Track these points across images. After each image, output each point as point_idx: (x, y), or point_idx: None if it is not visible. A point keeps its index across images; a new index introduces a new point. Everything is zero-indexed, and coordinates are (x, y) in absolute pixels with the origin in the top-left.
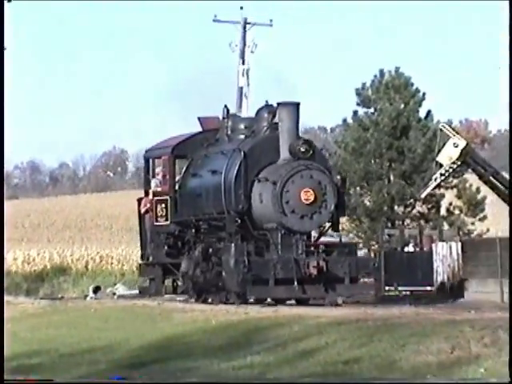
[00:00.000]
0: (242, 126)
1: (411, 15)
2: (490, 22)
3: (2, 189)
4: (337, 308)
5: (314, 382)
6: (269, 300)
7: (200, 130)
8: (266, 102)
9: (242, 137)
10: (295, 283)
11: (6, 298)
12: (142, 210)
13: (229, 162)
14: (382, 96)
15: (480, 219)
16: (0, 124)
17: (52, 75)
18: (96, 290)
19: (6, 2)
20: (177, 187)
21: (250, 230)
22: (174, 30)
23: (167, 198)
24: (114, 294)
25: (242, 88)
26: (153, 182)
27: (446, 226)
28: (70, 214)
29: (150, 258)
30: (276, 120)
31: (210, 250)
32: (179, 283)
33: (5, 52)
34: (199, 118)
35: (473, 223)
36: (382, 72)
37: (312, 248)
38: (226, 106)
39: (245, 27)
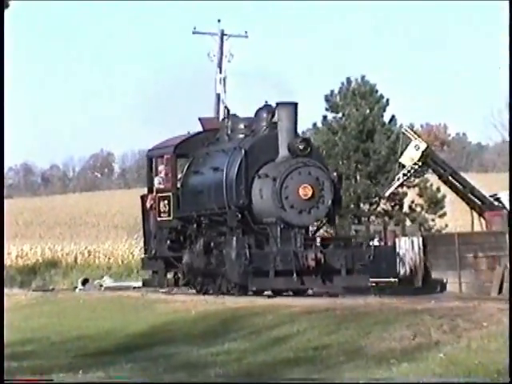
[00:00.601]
0: (241, 126)
1: (376, 24)
2: (448, 33)
3: (1, 189)
4: (307, 298)
5: (314, 381)
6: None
7: (200, 129)
8: (266, 102)
9: (242, 136)
10: (294, 275)
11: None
12: (147, 206)
13: (230, 159)
14: (349, 102)
15: (440, 216)
16: (0, 125)
17: (45, 83)
18: (84, 282)
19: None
20: (179, 184)
21: (250, 224)
22: (158, 41)
23: (170, 194)
24: (101, 285)
25: (219, 94)
26: (156, 180)
27: (408, 222)
28: (61, 212)
29: (153, 252)
30: (275, 119)
31: (212, 243)
32: (180, 276)
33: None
34: (200, 119)
35: (433, 220)
36: (348, 80)
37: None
38: (226, 107)
39: (222, 38)
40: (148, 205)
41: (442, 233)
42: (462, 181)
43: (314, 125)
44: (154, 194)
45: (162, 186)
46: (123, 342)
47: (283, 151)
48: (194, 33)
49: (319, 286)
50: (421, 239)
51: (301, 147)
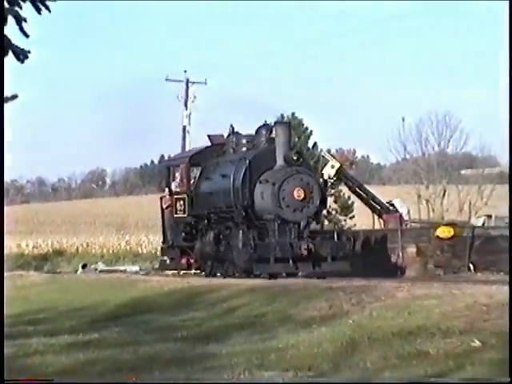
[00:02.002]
0: (244, 141)
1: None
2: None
3: (1, 190)
4: (251, 279)
5: (314, 381)
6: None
7: (209, 144)
8: (265, 121)
9: (245, 149)
10: (290, 261)
11: (20, 272)
12: (164, 206)
13: (236, 168)
14: None
15: (350, 217)
16: (0, 125)
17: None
18: (84, 266)
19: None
20: (192, 188)
21: (253, 220)
22: (138, 85)
23: (185, 196)
24: (96, 269)
25: (185, 127)
26: (173, 185)
27: (326, 222)
28: (66, 214)
29: (170, 242)
30: (273, 135)
31: (221, 235)
32: (191, 261)
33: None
34: (209, 136)
35: (345, 220)
36: (282, 115)
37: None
38: (231, 126)
39: (187, 83)
40: (165, 205)
41: (351, 230)
42: (365, 191)
43: None
44: (170, 196)
45: (178, 189)
46: (112, 311)
47: (280, 161)
48: (166, 80)
49: (310, 270)
50: (336, 235)
51: (294, 158)
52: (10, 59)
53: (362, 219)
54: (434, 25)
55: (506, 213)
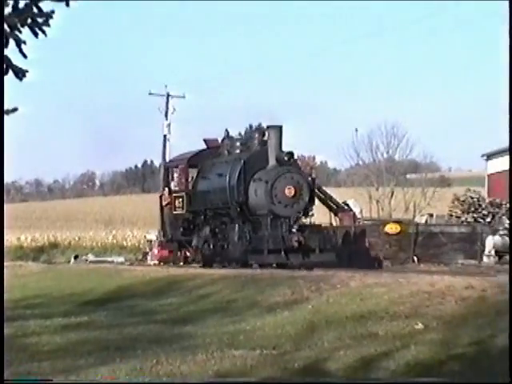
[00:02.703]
0: (237, 144)
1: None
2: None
3: (2, 190)
4: (223, 269)
5: (315, 381)
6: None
7: (205, 147)
8: (259, 124)
9: (238, 151)
10: (282, 252)
11: (19, 262)
12: (164, 203)
13: (232, 167)
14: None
15: (310, 216)
16: (0, 126)
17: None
18: (75, 257)
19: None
20: (190, 187)
21: (247, 215)
22: (123, 99)
23: (183, 194)
24: (87, 260)
25: (165, 135)
26: (172, 184)
27: None
28: (60, 212)
29: (170, 237)
30: (265, 138)
31: (217, 229)
32: (188, 254)
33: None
34: (204, 139)
35: (305, 218)
36: (251, 126)
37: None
38: (226, 130)
39: (167, 97)
40: (165, 202)
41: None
42: (323, 192)
43: None
44: (169, 194)
45: (177, 188)
46: (100, 296)
47: (272, 161)
48: (149, 94)
49: (300, 260)
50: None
51: (286, 158)
52: (10, 77)
53: (320, 217)
54: (397, 43)
55: (445, 212)
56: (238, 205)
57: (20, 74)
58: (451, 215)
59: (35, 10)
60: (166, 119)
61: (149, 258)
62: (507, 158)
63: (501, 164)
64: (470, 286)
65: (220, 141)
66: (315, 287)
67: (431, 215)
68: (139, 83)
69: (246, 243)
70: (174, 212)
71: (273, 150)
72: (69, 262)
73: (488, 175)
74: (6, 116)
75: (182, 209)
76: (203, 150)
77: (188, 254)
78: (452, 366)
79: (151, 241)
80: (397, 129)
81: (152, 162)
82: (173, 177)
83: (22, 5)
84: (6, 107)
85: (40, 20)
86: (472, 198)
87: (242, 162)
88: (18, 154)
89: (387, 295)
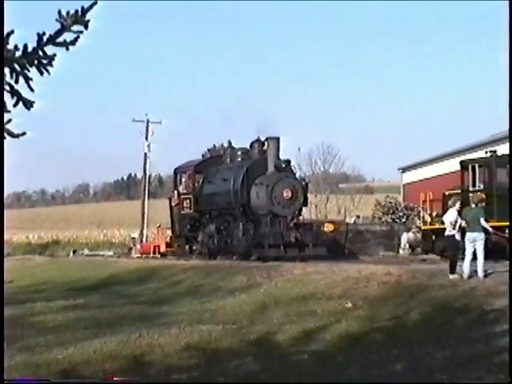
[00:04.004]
0: (239, 153)
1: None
2: None
3: (2, 191)
4: (193, 260)
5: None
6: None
7: (209, 156)
8: (258, 137)
9: (240, 159)
10: (281, 247)
11: (28, 256)
12: (173, 204)
13: (235, 173)
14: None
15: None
16: (0, 126)
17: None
18: (74, 252)
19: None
20: (197, 190)
21: (249, 215)
22: (112, 125)
23: (190, 196)
24: (83, 254)
25: (146, 153)
26: (180, 187)
27: None
28: (61, 215)
29: (178, 233)
30: (264, 148)
31: (221, 227)
32: (194, 248)
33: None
34: (208, 149)
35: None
36: (214, 146)
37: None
38: (229, 141)
39: (147, 123)
40: (174, 203)
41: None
42: None
43: None
44: (178, 196)
45: (185, 191)
46: (94, 283)
47: (271, 168)
48: (133, 120)
49: (296, 253)
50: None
51: (283, 165)
52: (20, 107)
53: None
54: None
55: (369, 214)
56: (241, 206)
57: (28, 104)
58: (374, 216)
59: (41, 53)
60: (147, 140)
61: (133, 252)
62: (418, 170)
63: (413, 176)
64: (389, 273)
65: (222, 151)
66: (266, 275)
67: (358, 216)
68: (125, 112)
69: (250, 239)
70: (182, 212)
71: (272, 158)
72: (68, 255)
73: (403, 185)
74: (16, 139)
75: (190, 209)
76: (208, 158)
77: (194, 247)
78: (375, 336)
79: (134, 238)
80: (331, 148)
81: (135, 174)
82: (181, 181)
83: (30, 49)
84: (16, 132)
85: (44, 61)
86: (390, 202)
87: (245, 168)
88: (26, 168)
89: (323, 281)
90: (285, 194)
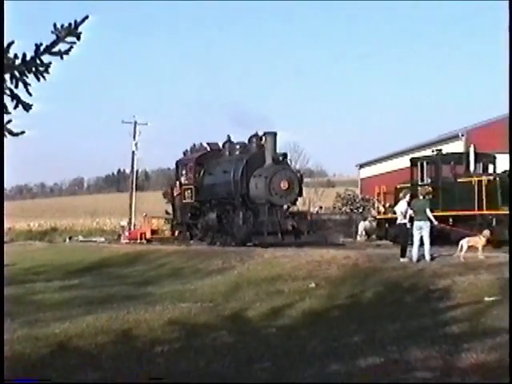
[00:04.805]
0: (237, 147)
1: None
2: None
3: (2, 190)
4: (175, 246)
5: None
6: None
7: (208, 150)
8: (256, 132)
9: (238, 153)
10: (279, 234)
11: (30, 242)
12: (175, 194)
13: (235, 165)
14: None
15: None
16: (0, 125)
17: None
18: (70, 238)
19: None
20: (198, 181)
21: (248, 204)
22: (103, 128)
23: (192, 187)
24: (78, 240)
25: (133, 151)
26: (182, 178)
27: None
28: (59, 205)
29: (180, 220)
30: (262, 142)
31: (222, 215)
32: (193, 234)
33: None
34: (208, 143)
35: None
36: (194, 145)
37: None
38: (228, 136)
39: (135, 124)
40: (176, 193)
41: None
42: None
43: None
44: (180, 187)
45: (186, 182)
46: (87, 266)
47: (269, 160)
48: (122, 122)
49: (293, 240)
50: None
51: (280, 158)
52: (19, 109)
53: None
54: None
55: (331, 205)
56: (240, 196)
57: (27, 107)
58: (335, 207)
59: (38, 61)
60: (134, 140)
61: (122, 238)
62: (373, 167)
63: (369, 171)
64: (348, 257)
65: (221, 145)
66: (240, 258)
67: (321, 207)
68: (115, 114)
69: (250, 227)
70: (184, 201)
71: (269, 152)
72: (65, 241)
73: (360, 179)
74: (16, 137)
75: (191, 198)
76: (207, 151)
77: (194, 233)
78: (335, 312)
79: (123, 226)
80: (297, 146)
81: (124, 170)
82: (182, 173)
83: (28, 57)
84: (16, 131)
85: (41, 69)
86: (349, 195)
87: (245, 161)
88: (27, 164)
89: (290, 264)
90: (282, 185)
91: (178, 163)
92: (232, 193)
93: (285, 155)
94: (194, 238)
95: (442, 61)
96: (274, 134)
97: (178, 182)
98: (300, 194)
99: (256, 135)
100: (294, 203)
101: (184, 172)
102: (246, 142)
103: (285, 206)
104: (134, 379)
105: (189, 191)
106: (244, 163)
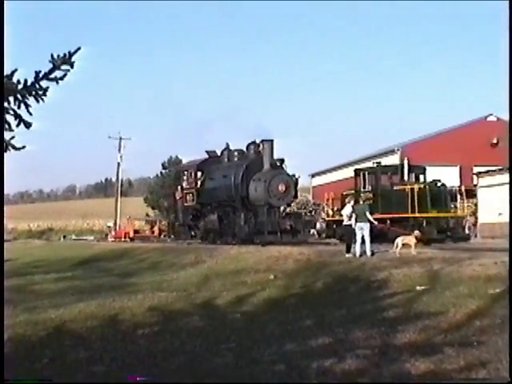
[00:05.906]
0: (235, 153)
1: None
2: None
3: (2, 190)
4: (156, 243)
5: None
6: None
7: (207, 156)
8: (254, 140)
9: (236, 159)
10: (278, 233)
11: (29, 240)
12: (177, 198)
13: (235, 170)
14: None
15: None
16: (0, 125)
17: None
18: (64, 237)
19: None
20: (199, 185)
21: (247, 206)
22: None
23: (193, 191)
24: (71, 238)
25: (119, 163)
26: (184, 183)
27: None
28: (54, 209)
29: (181, 222)
30: (260, 149)
31: (223, 216)
32: (193, 234)
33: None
34: (206, 151)
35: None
36: (177, 157)
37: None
38: (227, 143)
39: (120, 139)
40: (178, 197)
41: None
42: None
43: (157, 175)
44: (181, 191)
45: (188, 186)
46: (79, 261)
47: (267, 166)
48: (109, 137)
49: (290, 239)
50: None
51: (278, 164)
52: (21, 127)
53: None
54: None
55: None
56: (241, 198)
57: (28, 125)
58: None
59: (37, 86)
60: (119, 152)
61: (108, 237)
62: (323, 176)
63: (319, 180)
64: (302, 253)
65: (220, 152)
66: (209, 254)
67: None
68: (102, 130)
69: (251, 226)
70: (185, 204)
71: (267, 158)
72: (60, 239)
73: (312, 187)
74: (17, 151)
75: (192, 201)
76: (207, 158)
77: (194, 233)
78: (290, 300)
79: (110, 227)
80: None
81: (111, 178)
82: (183, 178)
83: (29, 83)
84: (18, 145)
85: (40, 92)
86: (303, 200)
87: (244, 166)
88: (27, 173)
89: (252, 259)
90: (280, 188)
91: (178, 169)
92: (232, 196)
93: (282, 161)
94: (195, 238)
95: (382, 88)
96: (271, 142)
97: (179, 187)
98: (296, 196)
99: (254, 142)
100: (290, 205)
101: (185, 177)
102: (244, 149)
103: (283, 208)
104: (120, 360)
105: (190, 195)
106: (244, 168)
